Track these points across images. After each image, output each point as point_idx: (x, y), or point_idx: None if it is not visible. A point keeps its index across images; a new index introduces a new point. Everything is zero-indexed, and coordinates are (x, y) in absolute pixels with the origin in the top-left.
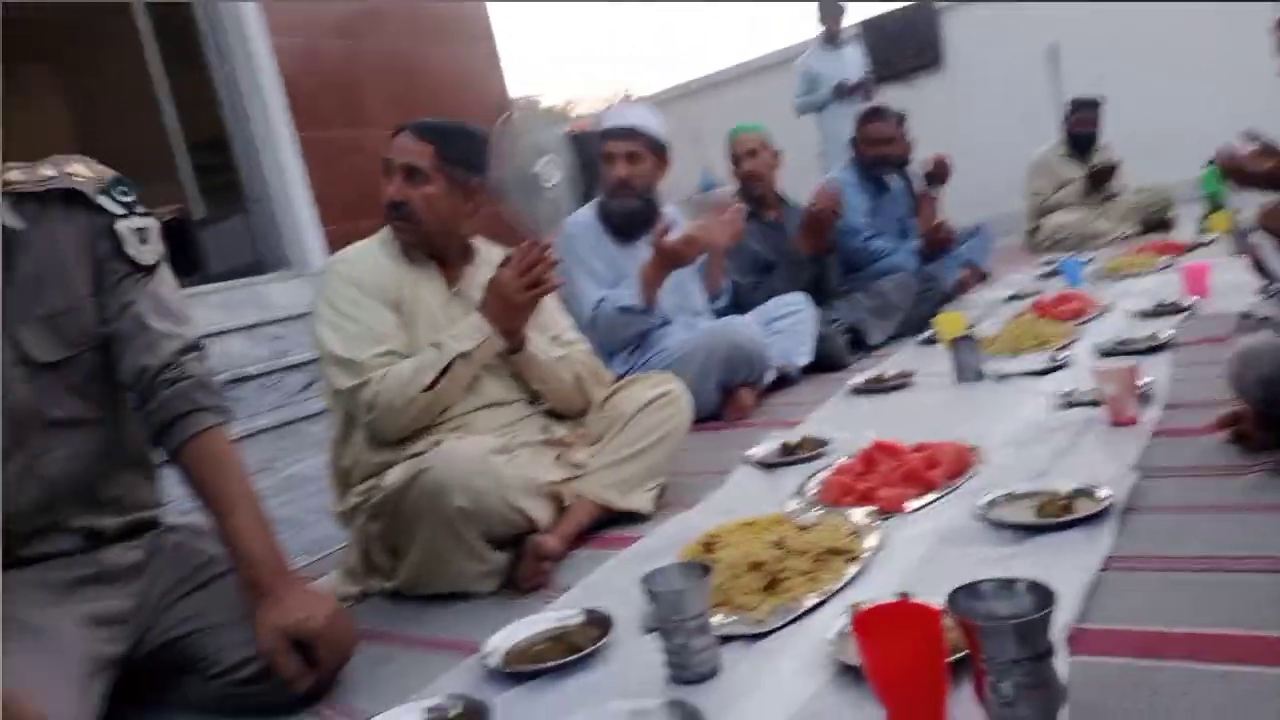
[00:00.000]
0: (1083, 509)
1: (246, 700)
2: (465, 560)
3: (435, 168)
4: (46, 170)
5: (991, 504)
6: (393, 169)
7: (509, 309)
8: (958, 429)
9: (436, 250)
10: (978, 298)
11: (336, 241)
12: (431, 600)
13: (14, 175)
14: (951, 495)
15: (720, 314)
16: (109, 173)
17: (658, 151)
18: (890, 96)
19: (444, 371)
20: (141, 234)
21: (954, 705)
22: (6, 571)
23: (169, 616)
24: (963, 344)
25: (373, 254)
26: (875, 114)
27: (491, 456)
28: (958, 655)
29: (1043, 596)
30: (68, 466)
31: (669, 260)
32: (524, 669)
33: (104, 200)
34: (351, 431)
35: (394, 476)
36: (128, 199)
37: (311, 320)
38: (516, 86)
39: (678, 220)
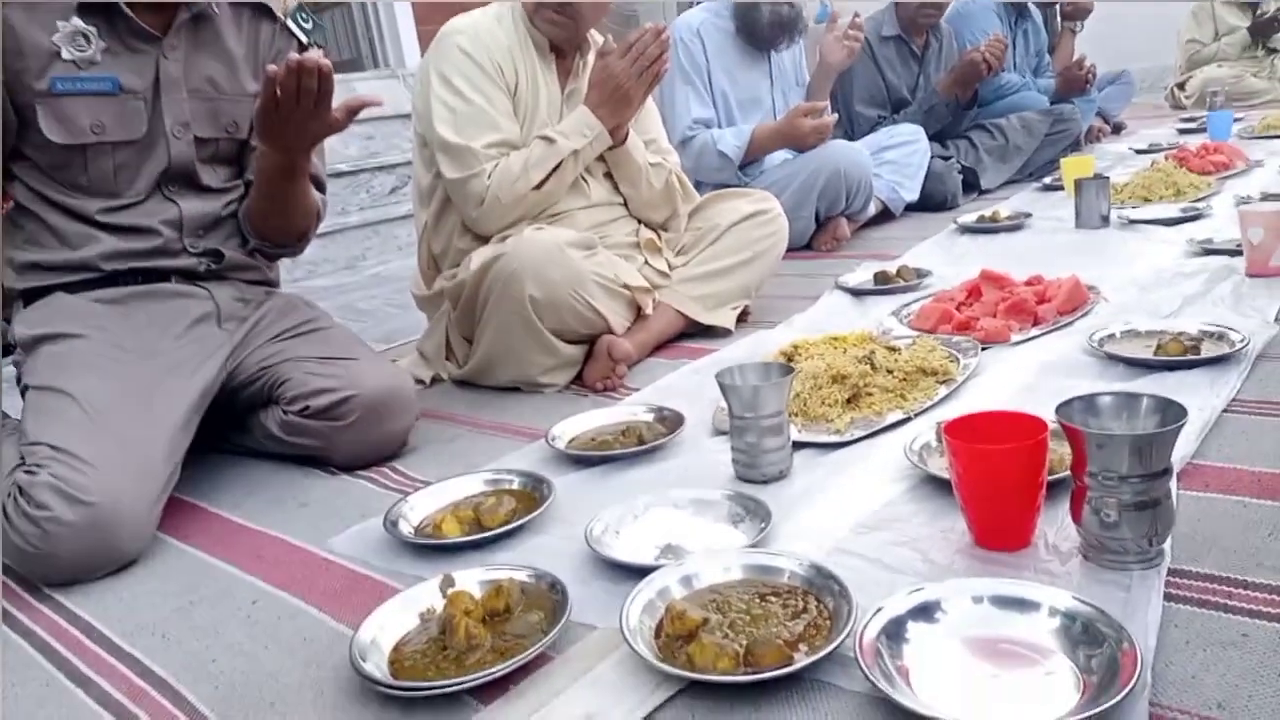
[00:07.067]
0: (1210, 351)
1: (315, 442)
2: (535, 351)
3: None
4: None
5: (1108, 338)
6: None
7: (618, 99)
8: (1075, 270)
9: (568, 44)
10: (1109, 148)
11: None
12: (502, 391)
13: None
14: (1063, 329)
15: None
16: None
17: None
18: None
19: (554, 170)
20: None
21: (1044, 525)
22: (144, 283)
23: (263, 351)
24: (1089, 185)
25: (492, 30)
26: None
27: (569, 249)
28: (1055, 476)
29: (1170, 413)
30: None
31: (793, 138)
32: (589, 454)
33: (290, 23)
34: (446, 216)
35: (473, 262)
36: (308, 26)
37: (418, 88)
38: None
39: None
